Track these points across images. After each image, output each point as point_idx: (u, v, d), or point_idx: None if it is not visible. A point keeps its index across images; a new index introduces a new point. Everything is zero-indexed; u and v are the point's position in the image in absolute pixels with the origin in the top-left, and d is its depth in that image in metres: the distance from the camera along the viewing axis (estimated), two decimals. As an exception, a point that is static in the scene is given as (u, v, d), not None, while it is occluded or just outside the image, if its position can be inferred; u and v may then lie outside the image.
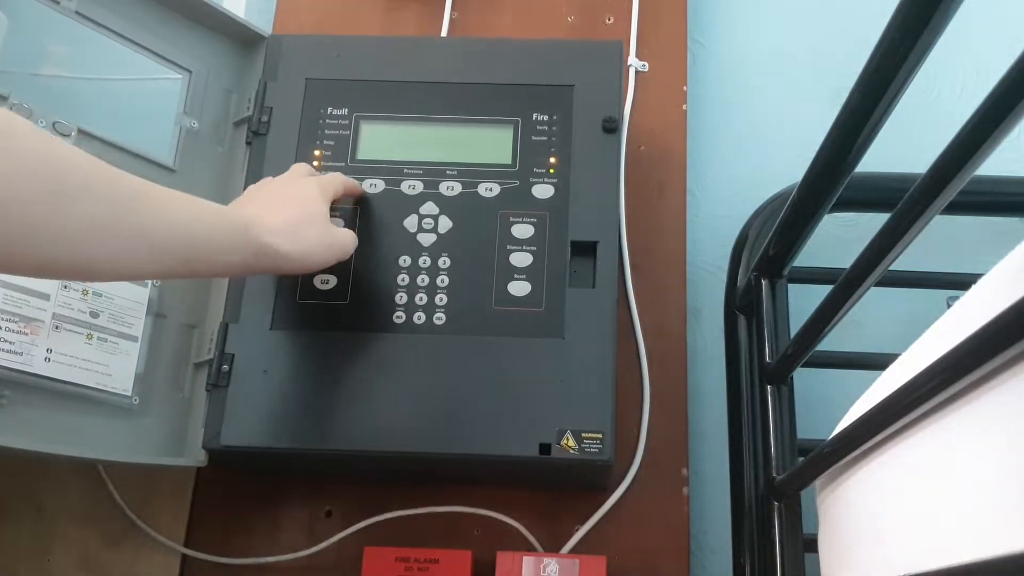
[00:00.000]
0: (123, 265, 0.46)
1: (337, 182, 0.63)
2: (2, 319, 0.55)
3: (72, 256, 0.43)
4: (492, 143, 0.69)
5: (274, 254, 0.54)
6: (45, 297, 0.57)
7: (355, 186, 0.66)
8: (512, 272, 0.65)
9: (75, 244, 0.43)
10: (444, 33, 0.86)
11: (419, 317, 0.64)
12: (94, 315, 0.60)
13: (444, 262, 0.65)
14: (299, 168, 0.64)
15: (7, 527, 0.71)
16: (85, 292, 0.60)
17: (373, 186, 0.68)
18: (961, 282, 0.69)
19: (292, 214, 0.57)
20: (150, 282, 0.63)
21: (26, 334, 0.56)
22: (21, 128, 0.41)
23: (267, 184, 0.62)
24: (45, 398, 0.57)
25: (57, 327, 0.58)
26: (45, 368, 0.57)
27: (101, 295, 0.60)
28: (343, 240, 0.60)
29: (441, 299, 0.64)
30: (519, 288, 0.64)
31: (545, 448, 0.60)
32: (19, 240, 0.41)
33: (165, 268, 0.49)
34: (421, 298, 0.64)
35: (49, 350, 0.57)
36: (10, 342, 0.55)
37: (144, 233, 0.46)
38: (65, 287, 0.59)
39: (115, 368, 0.61)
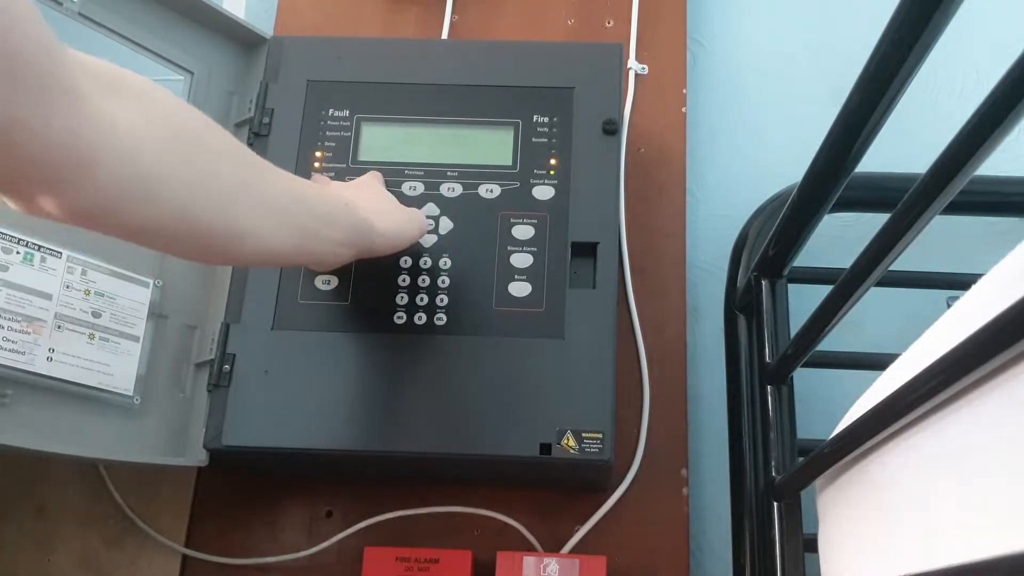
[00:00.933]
0: (259, 232, 0.47)
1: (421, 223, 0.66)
2: (4, 318, 0.55)
3: (223, 220, 0.44)
4: (493, 144, 0.69)
5: (371, 230, 0.57)
6: (48, 297, 0.57)
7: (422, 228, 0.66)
8: (513, 273, 0.65)
9: (223, 203, 0.44)
10: (445, 35, 0.86)
11: (420, 318, 0.64)
12: (96, 315, 0.60)
13: (445, 263, 0.65)
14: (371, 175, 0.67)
15: (7, 527, 0.71)
16: (87, 292, 0.60)
17: (374, 187, 0.68)
18: (961, 282, 0.69)
19: (373, 197, 0.61)
20: (151, 282, 0.64)
21: (28, 333, 0.56)
22: (159, 90, 0.42)
23: (338, 182, 0.65)
24: (47, 397, 0.57)
25: (59, 327, 0.58)
26: (47, 367, 0.57)
27: (103, 295, 0.61)
28: (420, 216, 0.64)
29: (442, 300, 0.64)
30: (520, 289, 0.64)
31: (545, 448, 0.60)
32: (175, 202, 0.41)
33: (289, 242, 0.50)
34: (422, 299, 0.65)
35: (51, 349, 0.57)
36: (13, 341, 0.55)
37: (271, 200, 0.47)
38: (67, 287, 0.59)
39: (117, 368, 0.61)
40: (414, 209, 0.64)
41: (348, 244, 0.55)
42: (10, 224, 0.56)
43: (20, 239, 0.56)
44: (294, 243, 0.50)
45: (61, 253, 0.58)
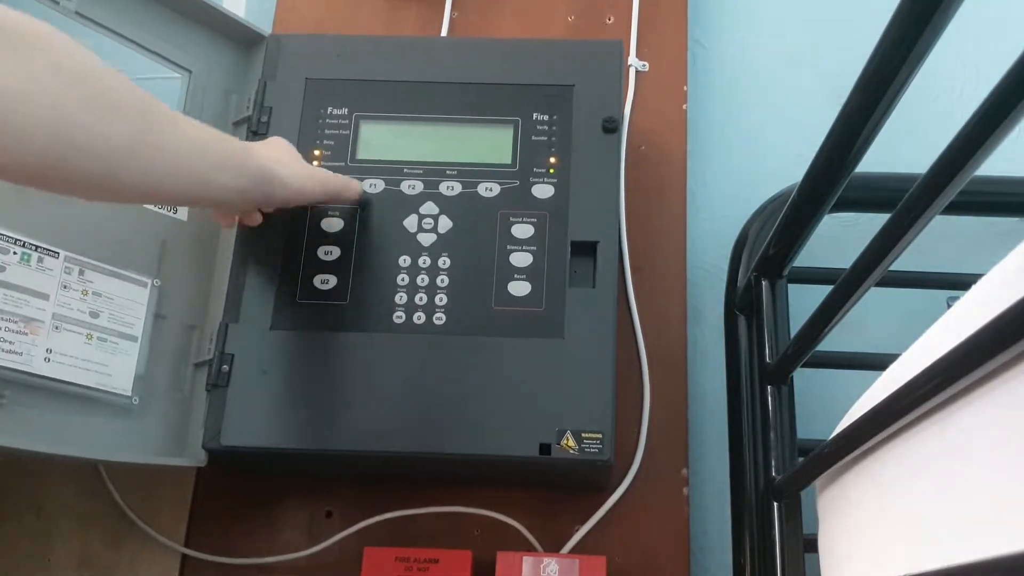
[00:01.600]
0: (149, 183, 0.47)
1: (342, 183, 0.66)
2: (2, 319, 0.55)
3: (107, 169, 0.44)
4: (492, 143, 0.69)
5: (272, 177, 0.56)
6: (45, 297, 0.57)
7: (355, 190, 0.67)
8: (512, 272, 0.65)
9: (110, 158, 0.44)
10: (444, 33, 0.86)
11: (419, 317, 0.64)
12: (94, 315, 0.60)
13: (444, 262, 0.65)
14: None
15: (7, 527, 0.71)
16: (85, 292, 0.60)
17: (373, 186, 0.68)
18: (961, 282, 0.69)
19: (284, 150, 0.61)
20: (150, 283, 0.63)
21: (26, 334, 0.56)
22: (59, 41, 0.41)
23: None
24: (45, 398, 0.57)
25: (57, 327, 0.58)
26: (45, 368, 0.57)
27: (101, 295, 0.60)
28: (335, 177, 0.63)
29: (441, 299, 0.64)
30: (519, 288, 0.64)
31: (545, 448, 0.60)
32: (59, 152, 0.41)
33: (181, 188, 0.50)
34: (421, 298, 0.64)
35: (49, 350, 0.57)
36: (10, 342, 0.55)
37: (166, 151, 0.47)
38: (65, 287, 0.59)
39: (115, 368, 0.61)
40: (325, 171, 0.64)
41: (244, 190, 0.55)
42: (8, 224, 0.56)
43: (17, 239, 0.56)
44: (184, 188, 0.51)
45: (59, 253, 0.58)
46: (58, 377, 0.57)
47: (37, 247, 0.57)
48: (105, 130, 0.43)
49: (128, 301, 0.62)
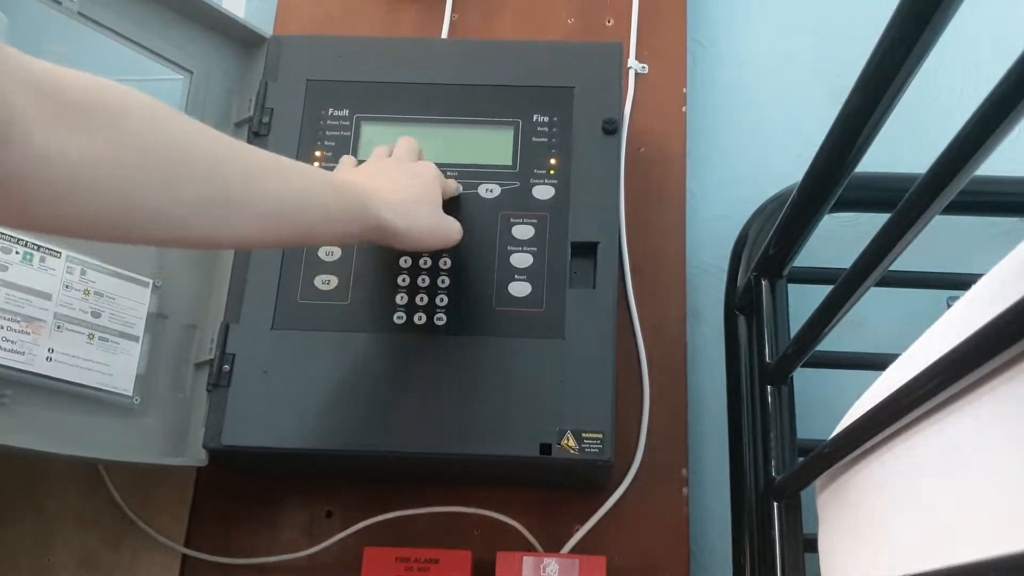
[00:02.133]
0: (236, 237, 0.47)
1: (449, 184, 0.65)
2: (4, 319, 0.55)
3: (185, 233, 0.44)
4: (492, 144, 0.69)
5: (389, 230, 0.56)
6: (47, 297, 0.57)
7: (456, 186, 0.66)
8: (513, 273, 0.65)
9: (185, 223, 0.43)
10: (444, 34, 0.86)
11: (420, 317, 0.64)
12: (96, 315, 0.60)
13: (445, 263, 0.65)
14: (408, 143, 0.64)
15: (7, 527, 0.71)
16: (87, 292, 0.60)
17: (374, 186, 0.68)
18: (961, 282, 0.69)
19: (411, 194, 0.58)
20: (151, 283, 0.64)
21: (28, 334, 0.56)
22: (135, 106, 0.40)
23: (386, 160, 0.62)
24: (46, 397, 0.57)
25: (59, 327, 0.58)
26: (47, 368, 0.57)
27: (103, 295, 0.60)
28: (452, 227, 0.61)
29: (442, 299, 0.64)
30: (520, 289, 0.64)
31: (545, 448, 0.60)
32: (130, 222, 0.41)
33: (280, 239, 0.50)
34: (422, 298, 0.65)
35: (51, 350, 0.57)
36: (12, 341, 0.55)
37: (253, 208, 0.46)
38: (67, 287, 0.59)
39: (116, 368, 0.61)
40: (448, 218, 0.61)
41: (359, 237, 0.55)
42: None
43: (19, 239, 0.56)
44: (292, 239, 0.51)
45: (60, 253, 0.58)
46: (60, 377, 0.57)
47: (39, 247, 0.57)
48: (174, 196, 0.42)
49: (129, 301, 0.62)
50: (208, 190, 0.44)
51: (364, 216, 0.53)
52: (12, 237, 0.56)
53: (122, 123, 0.39)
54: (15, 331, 0.55)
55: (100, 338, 0.60)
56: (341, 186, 0.53)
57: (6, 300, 0.55)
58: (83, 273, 0.60)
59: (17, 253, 0.56)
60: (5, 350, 0.55)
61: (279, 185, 0.48)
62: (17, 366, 0.55)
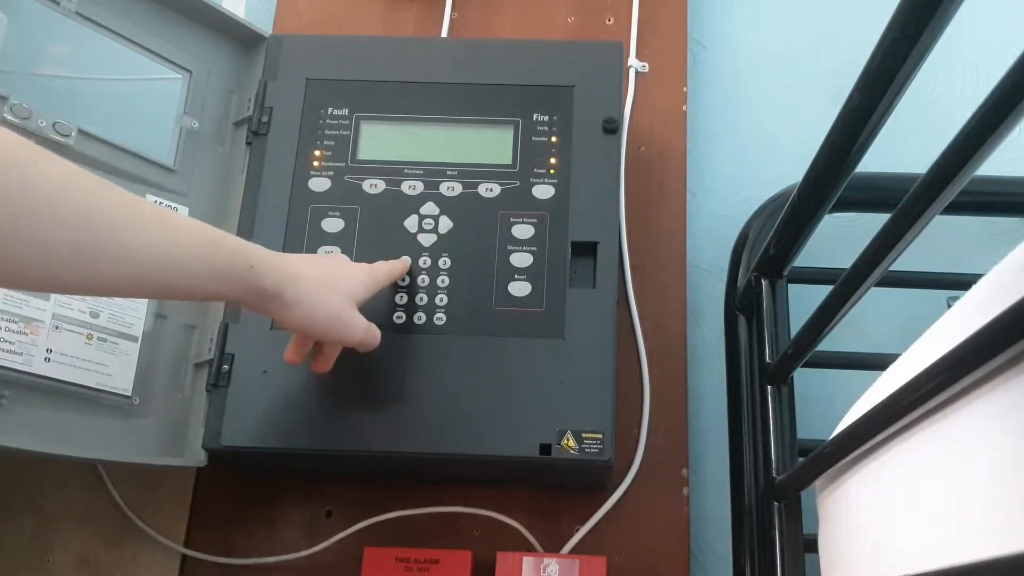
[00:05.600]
0: (100, 287, 0.46)
1: (394, 271, 0.63)
2: (2, 319, 0.55)
3: (47, 278, 0.43)
4: (492, 143, 0.69)
5: (273, 296, 0.52)
6: (45, 297, 0.57)
7: (403, 269, 0.65)
8: (512, 272, 0.65)
9: (49, 269, 0.42)
10: (444, 33, 0.86)
11: (420, 317, 0.64)
12: (94, 315, 0.60)
13: (444, 262, 0.65)
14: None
15: (7, 527, 0.71)
16: None
17: (373, 186, 0.68)
18: (961, 282, 0.69)
19: (320, 273, 0.56)
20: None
21: (26, 334, 0.56)
22: (11, 146, 0.39)
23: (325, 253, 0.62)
24: (45, 398, 0.57)
25: (57, 327, 0.58)
26: (45, 368, 0.57)
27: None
28: (357, 324, 0.57)
29: (442, 299, 0.64)
30: (519, 288, 0.64)
31: (545, 448, 0.60)
32: None
33: (146, 292, 0.50)
34: (422, 298, 0.65)
35: (49, 350, 0.57)
36: (10, 342, 0.55)
37: (121, 261, 0.45)
38: None
39: (115, 368, 0.61)
40: (360, 317, 0.58)
41: (238, 301, 0.53)
42: None
43: None
44: (159, 294, 0.51)
45: None
46: (58, 377, 0.57)
47: None
48: (30, 244, 0.40)
49: (128, 301, 0.62)
50: (72, 238, 0.42)
51: (247, 277, 0.50)
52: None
53: None
54: (13, 332, 0.55)
55: (99, 338, 0.60)
56: (229, 244, 0.51)
57: (4, 301, 0.55)
58: None
59: None
60: (3, 351, 0.55)
61: (150, 238, 0.46)
62: (15, 367, 0.55)
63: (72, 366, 0.58)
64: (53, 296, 0.58)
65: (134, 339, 0.62)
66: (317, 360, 0.60)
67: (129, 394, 0.61)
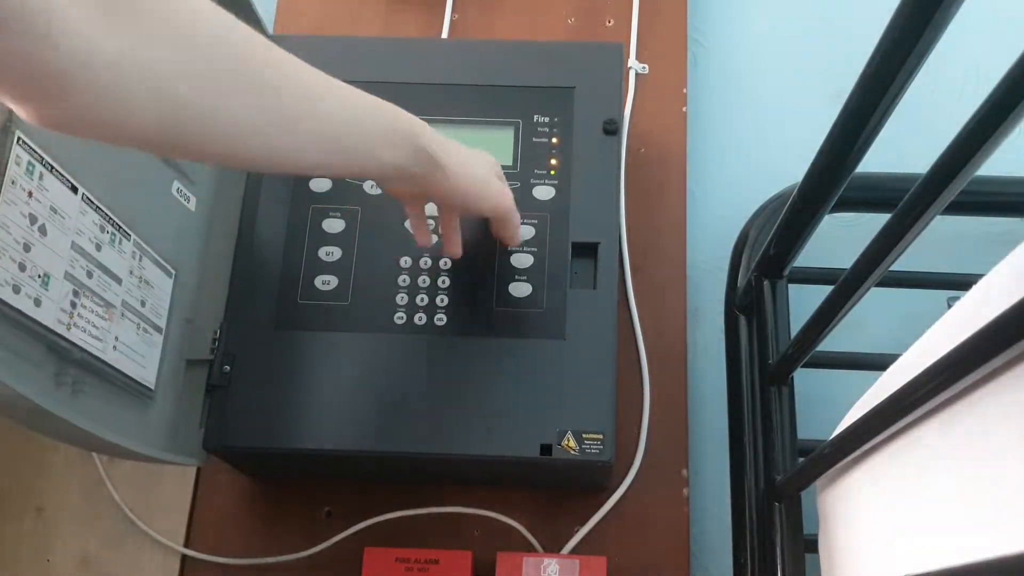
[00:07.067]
0: (280, 157, 0.46)
1: (512, 210, 0.61)
2: (91, 301, 0.51)
3: (231, 147, 0.42)
4: (493, 144, 0.69)
5: (433, 162, 0.52)
6: (119, 281, 0.54)
7: (515, 220, 0.62)
8: (513, 273, 0.65)
9: (232, 136, 0.42)
10: (445, 34, 0.86)
11: (420, 318, 0.64)
12: (143, 304, 0.57)
13: (445, 263, 0.65)
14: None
15: (7, 527, 0.71)
16: (140, 279, 0.57)
17: (373, 186, 0.68)
18: (961, 282, 0.69)
19: (466, 151, 0.57)
20: (175, 273, 0.62)
21: (105, 320, 0.52)
22: (191, 9, 0.39)
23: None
24: (107, 388, 0.54)
25: (123, 314, 0.54)
26: (112, 357, 0.53)
27: (150, 284, 0.58)
28: (507, 193, 0.59)
29: (442, 300, 0.64)
30: (520, 289, 0.64)
31: (546, 449, 0.60)
32: (165, 129, 0.39)
33: (326, 162, 0.48)
34: (422, 299, 0.65)
35: (116, 338, 0.54)
36: (96, 327, 0.51)
37: (301, 126, 0.45)
38: (131, 273, 0.55)
39: (148, 360, 0.58)
40: (505, 186, 0.59)
41: (401, 168, 0.52)
42: (106, 204, 0.53)
43: (110, 218, 0.54)
44: (330, 162, 0.49)
45: (130, 236, 0.55)
46: (118, 367, 0.54)
47: (120, 227, 0.54)
48: (218, 108, 0.40)
49: (160, 291, 0.60)
50: (259, 104, 0.42)
51: (416, 140, 0.51)
52: (107, 215, 0.53)
53: (174, 23, 0.38)
54: (99, 315, 0.52)
55: (143, 328, 0.57)
56: (390, 107, 0.51)
57: (97, 283, 0.52)
58: (140, 259, 0.57)
59: (107, 232, 0.53)
60: (92, 336, 0.51)
61: (330, 105, 0.47)
62: (97, 354, 0.52)
63: (127, 356, 0.55)
64: (124, 281, 0.55)
65: (160, 331, 0.60)
66: (450, 241, 0.61)
67: (153, 387, 0.59)
